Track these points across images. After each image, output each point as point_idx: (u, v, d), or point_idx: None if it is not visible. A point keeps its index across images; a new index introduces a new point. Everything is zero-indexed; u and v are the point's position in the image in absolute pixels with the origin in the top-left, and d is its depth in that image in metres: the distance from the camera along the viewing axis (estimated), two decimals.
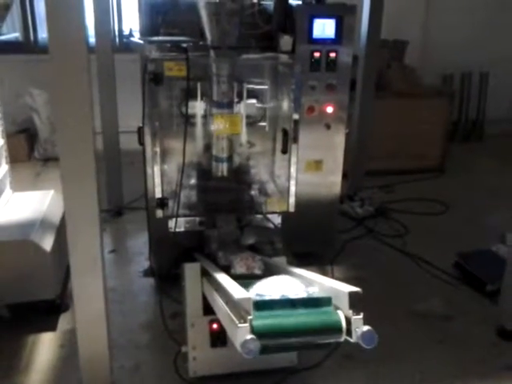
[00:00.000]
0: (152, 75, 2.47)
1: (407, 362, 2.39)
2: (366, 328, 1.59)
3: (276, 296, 1.80)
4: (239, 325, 1.55)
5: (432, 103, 5.01)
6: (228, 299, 1.76)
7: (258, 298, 1.74)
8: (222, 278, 1.97)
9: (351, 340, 1.63)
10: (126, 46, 4.79)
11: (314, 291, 1.86)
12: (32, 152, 5.21)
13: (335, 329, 1.66)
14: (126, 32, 5.09)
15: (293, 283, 1.92)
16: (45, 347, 2.44)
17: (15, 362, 2.32)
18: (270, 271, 2.21)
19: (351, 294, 1.65)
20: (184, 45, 2.43)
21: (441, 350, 2.49)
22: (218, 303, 1.87)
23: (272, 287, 1.88)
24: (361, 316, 1.63)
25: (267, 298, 1.79)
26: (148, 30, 2.64)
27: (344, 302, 1.66)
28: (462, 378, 2.30)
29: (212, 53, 2.42)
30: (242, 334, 1.52)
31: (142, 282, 3.02)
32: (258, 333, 1.54)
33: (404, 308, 2.79)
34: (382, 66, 4.63)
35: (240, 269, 2.22)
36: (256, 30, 2.65)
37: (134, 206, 3.87)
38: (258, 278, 2.05)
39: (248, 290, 1.82)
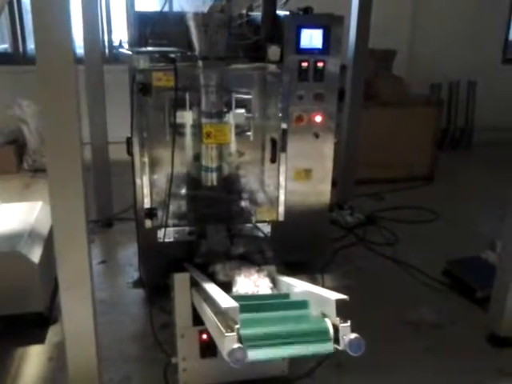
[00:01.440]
0: (140, 85, 2.48)
1: (398, 370, 2.38)
2: (353, 335, 1.60)
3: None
4: (226, 334, 1.55)
5: (420, 112, 5.06)
6: (216, 309, 1.76)
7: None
8: (210, 287, 1.97)
9: (339, 347, 1.63)
10: (115, 56, 4.81)
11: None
12: (21, 163, 5.18)
13: (323, 336, 1.66)
14: (116, 43, 5.09)
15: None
16: (33, 360, 2.41)
17: (3, 375, 2.29)
18: None
19: (338, 302, 1.65)
20: (172, 55, 2.44)
21: (431, 357, 2.49)
22: (207, 313, 1.87)
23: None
24: (348, 323, 1.63)
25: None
26: (136, 40, 2.65)
27: (331, 310, 1.66)
28: None
29: (200, 63, 2.43)
30: (228, 344, 1.52)
31: (132, 293, 3.01)
32: (246, 342, 1.53)
33: (394, 316, 2.79)
34: (369, 76, 4.67)
35: (244, 287, 2.17)
36: (244, 41, 2.68)
37: (123, 217, 3.85)
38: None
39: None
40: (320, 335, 1.67)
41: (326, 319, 1.70)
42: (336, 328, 1.64)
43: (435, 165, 5.11)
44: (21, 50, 5.43)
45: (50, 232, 2.55)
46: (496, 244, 3.26)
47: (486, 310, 2.74)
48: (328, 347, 1.67)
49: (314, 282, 2.90)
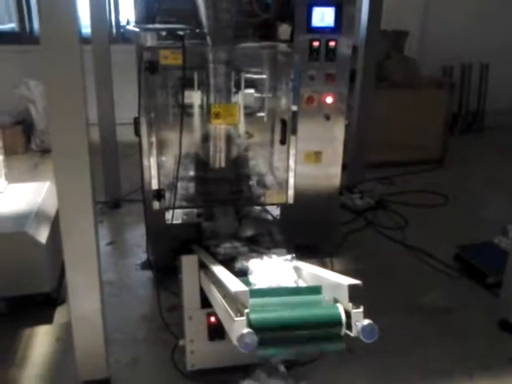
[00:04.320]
0: (147, 64, 2.43)
1: (409, 355, 2.36)
2: (366, 321, 1.56)
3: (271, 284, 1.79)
4: (235, 318, 1.52)
5: (432, 94, 4.97)
6: (225, 292, 1.73)
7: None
8: (219, 270, 1.94)
9: (351, 334, 1.60)
10: (123, 36, 4.74)
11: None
12: (29, 143, 5.17)
13: (334, 322, 1.63)
14: (124, 22, 5.02)
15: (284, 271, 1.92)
16: (41, 340, 2.41)
17: (11, 356, 2.30)
18: None
19: (351, 287, 1.61)
20: (180, 33, 2.38)
21: (442, 342, 2.46)
22: (216, 296, 1.84)
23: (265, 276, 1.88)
24: (361, 309, 1.60)
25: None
26: (144, 18, 2.59)
27: (343, 295, 1.63)
28: (464, 371, 2.27)
29: (209, 41, 2.37)
30: (238, 328, 1.49)
31: (140, 274, 2.99)
32: (255, 326, 1.51)
33: (405, 301, 2.76)
34: (381, 57, 4.59)
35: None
36: (254, 19, 2.61)
37: (131, 198, 3.83)
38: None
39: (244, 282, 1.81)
40: (331, 320, 1.63)
41: (338, 305, 1.66)
42: (348, 314, 1.61)
43: (446, 148, 5.03)
44: (27, 29, 5.37)
45: (57, 212, 2.52)
46: (508, 229, 3.22)
47: (496, 295, 2.71)
48: (338, 332, 1.64)
49: (323, 265, 2.88)
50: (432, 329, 2.56)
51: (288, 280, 1.97)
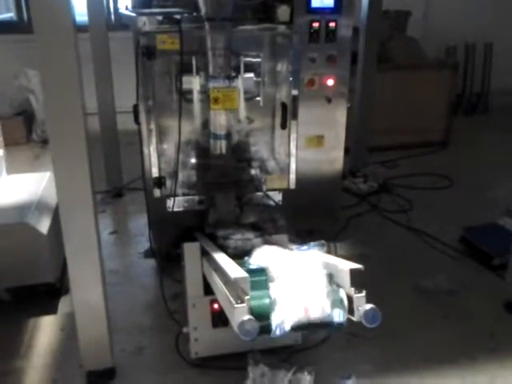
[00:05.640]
0: (144, 49, 2.39)
1: (413, 337, 2.35)
2: (368, 306, 1.54)
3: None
4: (236, 305, 1.51)
5: (435, 76, 4.90)
6: (226, 279, 1.71)
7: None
8: (220, 257, 1.93)
9: (354, 319, 1.59)
10: (121, 23, 4.69)
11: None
12: (30, 134, 5.15)
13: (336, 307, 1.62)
14: (122, 9, 4.96)
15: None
16: (45, 331, 2.41)
17: (16, 346, 2.30)
18: None
19: (353, 271, 1.59)
20: (177, 16, 2.34)
21: (447, 325, 2.45)
22: (217, 283, 1.83)
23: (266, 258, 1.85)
24: (363, 294, 1.58)
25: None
26: (141, 3, 2.55)
27: (345, 280, 1.61)
28: (469, 354, 2.25)
29: (206, 24, 2.33)
30: (238, 315, 1.48)
31: (143, 263, 2.99)
32: (256, 313, 1.49)
33: (409, 284, 2.74)
34: (383, 38, 4.52)
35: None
36: (252, 1, 2.56)
37: (133, 187, 3.82)
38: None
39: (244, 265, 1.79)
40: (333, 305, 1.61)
41: (341, 289, 1.64)
42: (350, 298, 1.59)
43: (450, 130, 4.98)
44: (25, 18, 5.33)
45: None
46: None
47: (502, 277, 2.68)
48: (340, 318, 1.62)
49: (326, 250, 2.86)
50: (436, 312, 2.54)
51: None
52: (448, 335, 2.38)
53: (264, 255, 1.93)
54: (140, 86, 2.49)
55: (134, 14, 2.41)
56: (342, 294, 1.63)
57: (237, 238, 2.20)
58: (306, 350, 2.22)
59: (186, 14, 2.39)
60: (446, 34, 5.69)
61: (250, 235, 2.21)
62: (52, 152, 1.76)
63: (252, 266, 1.87)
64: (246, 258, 1.98)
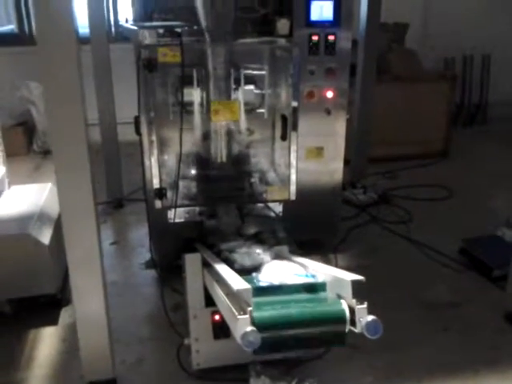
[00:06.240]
0: (145, 62, 2.41)
1: (414, 350, 2.34)
2: (370, 317, 1.55)
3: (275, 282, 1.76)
4: (239, 316, 1.51)
5: (434, 87, 4.93)
6: (228, 290, 1.72)
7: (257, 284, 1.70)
8: (222, 268, 1.93)
9: (355, 330, 1.59)
10: (122, 35, 4.73)
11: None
12: (31, 145, 5.17)
13: (338, 319, 1.62)
14: (122, 21, 5.01)
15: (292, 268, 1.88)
16: (46, 342, 2.41)
17: (17, 357, 2.30)
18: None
19: (354, 283, 1.60)
20: (178, 29, 2.37)
21: (448, 337, 2.44)
22: (219, 295, 1.83)
23: (272, 274, 1.85)
24: (365, 305, 1.58)
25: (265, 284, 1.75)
26: (141, 16, 2.58)
27: (347, 291, 1.61)
28: (470, 366, 2.25)
29: (207, 37, 2.35)
30: (241, 326, 1.48)
31: (144, 274, 2.99)
32: (259, 324, 1.50)
33: (409, 296, 2.74)
34: (382, 50, 4.55)
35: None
36: (252, 14, 2.59)
37: (134, 198, 3.83)
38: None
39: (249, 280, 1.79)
40: (335, 317, 1.62)
41: (342, 301, 1.65)
42: (352, 310, 1.60)
43: (450, 141, 5.00)
44: (27, 30, 5.36)
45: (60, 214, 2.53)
46: None
47: (503, 288, 2.68)
48: (342, 329, 1.62)
49: (327, 261, 2.87)
50: (437, 323, 2.54)
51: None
52: (449, 347, 2.38)
53: (273, 271, 1.93)
54: (141, 98, 2.51)
55: (135, 28, 2.43)
56: (344, 305, 1.63)
57: (242, 252, 2.20)
58: (307, 361, 2.21)
59: (186, 27, 2.41)
60: (444, 46, 5.74)
61: (257, 249, 2.20)
62: (55, 163, 1.78)
63: (262, 283, 1.87)
64: (255, 273, 1.98)
